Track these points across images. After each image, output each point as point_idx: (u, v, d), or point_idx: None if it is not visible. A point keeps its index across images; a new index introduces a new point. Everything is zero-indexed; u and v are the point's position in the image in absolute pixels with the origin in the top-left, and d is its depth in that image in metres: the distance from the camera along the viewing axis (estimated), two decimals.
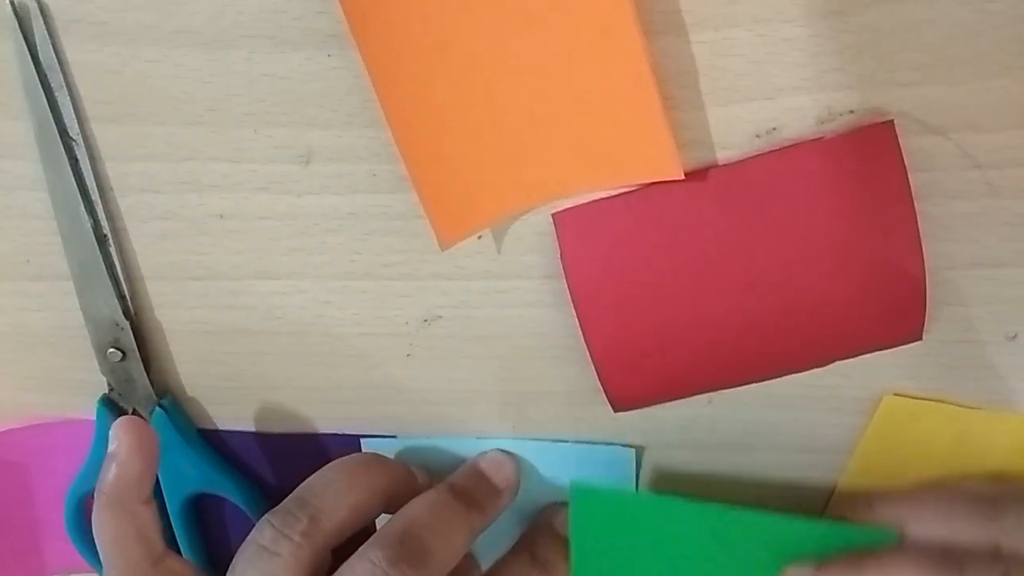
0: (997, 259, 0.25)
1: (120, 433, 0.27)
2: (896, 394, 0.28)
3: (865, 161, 0.24)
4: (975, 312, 0.26)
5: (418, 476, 0.30)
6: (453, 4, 0.23)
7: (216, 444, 0.32)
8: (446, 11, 0.23)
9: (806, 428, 0.29)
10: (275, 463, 0.32)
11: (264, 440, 0.32)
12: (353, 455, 0.29)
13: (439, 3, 0.23)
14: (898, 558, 0.25)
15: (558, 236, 0.26)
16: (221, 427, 0.32)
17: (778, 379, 0.28)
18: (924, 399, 0.27)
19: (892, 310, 0.26)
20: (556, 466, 0.31)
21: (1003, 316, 0.26)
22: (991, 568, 0.24)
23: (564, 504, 0.31)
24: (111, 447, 0.27)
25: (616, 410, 0.29)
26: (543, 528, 0.30)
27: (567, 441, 0.30)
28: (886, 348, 0.27)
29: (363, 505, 0.28)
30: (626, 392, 0.28)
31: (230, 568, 0.26)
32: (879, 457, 0.28)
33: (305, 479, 0.28)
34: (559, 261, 0.27)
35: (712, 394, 0.29)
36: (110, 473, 0.27)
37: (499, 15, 0.23)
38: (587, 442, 0.30)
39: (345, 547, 0.27)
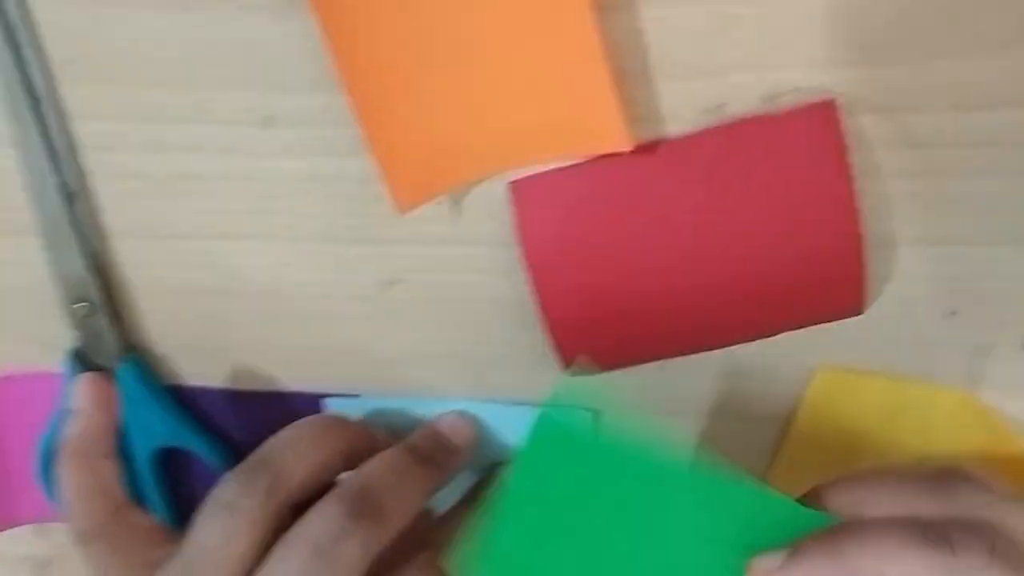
0: (936, 237, 0.26)
1: (83, 389, 0.27)
2: (829, 367, 0.28)
3: (808, 138, 0.25)
4: (915, 289, 0.27)
5: (378, 437, 0.31)
6: None
7: (183, 399, 0.33)
8: None
9: (752, 397, 0.30)
10: (240, 419, 0.33)
11: (230, 397, 0.33)
12: (314, 415, 0.30)
13: None
14: (878, 532, 0.23)
15: (513, 204, 0.27)
16: (187, 383, 0.33)
17: (726, 348, 0.29)
18: (858, 372, 0.28)
19: (834, 284, 0.27)
20: (514, 428, 0.32)
21: (942, 293, 0.27)
22: (977, 539, 0.22)
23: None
24: (74, 403, 0.28)
25: None
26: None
27: (525, 404, 0.31)
28: (829, 321, 0.28)
29: (324, 464, 0.28)
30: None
31: (191, 522, 0.27)
32: (814, 428, 0.29)
33: (270, 435, 0.29)
34: (514, 229, 0.27)
35: (664, 361, 0.30)
36: (73, 428, 0.27)
37: None
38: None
39: (305, 505, 0.28)
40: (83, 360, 0.31)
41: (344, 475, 0.29)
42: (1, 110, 0.28)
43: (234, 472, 0.27)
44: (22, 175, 0.29)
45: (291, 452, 0.28)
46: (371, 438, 0.31)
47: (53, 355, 0.32)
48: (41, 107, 0.28)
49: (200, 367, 0.32)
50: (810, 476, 0.30)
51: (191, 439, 0.33)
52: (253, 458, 0.28)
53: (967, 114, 0.24)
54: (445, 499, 0.31)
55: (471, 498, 0.31)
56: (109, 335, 0.31)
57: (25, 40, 0.27)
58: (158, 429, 0.32)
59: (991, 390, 0.28)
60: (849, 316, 0.27)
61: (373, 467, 0.28)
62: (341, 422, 0.30)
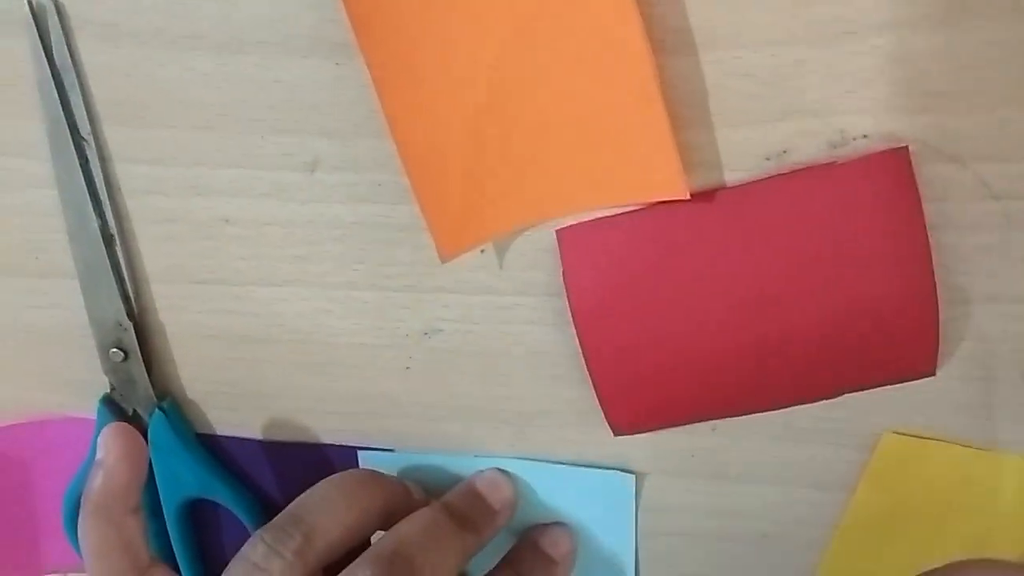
0: (1015, 294, 0.24)
1: (108, 440, 0.27)
2: (897, 431, 0.27)
3: (878, 188, 0.23)
4: (991, 349, 0.25)
5: (414, 493, 0.30)
6: (460, 16, 0.23)
7: (214, 449, 0.32)
8: (453, 22, 0.23)
9: (813, 463, 0.28)
10: (272, 471, 0.32)
11: (262, 448, 0.32)
12: (349, 471, 0.29)
13: (446, 14, 0.23)
14: None
15: (561, 253, 0.26)
16: (220, 432, 0.32)
17: (785, 410, 0.27)
18: (926, 438, 0.26)
19: (904, 343, 0.25)
20: (553, 489, 0.30)
21: (1020, 354, 0.25)
22: None
23: (552, 524, 0.30)
24: (99, 454, 0.27)
25: (616, 434, 0.28)
26: (528, 547, 0.29)
27: (565, 463, 0.30)
28: (898, 382, 0.26)
29: (358, 523, 0.27)
30: (626, 416, 0.28)
31: None
32: (880, 496, 0.27)
33: (301, 489, 0.28)
34: (561, 279, 0.26)
35: (716, 422, 0.28)
36: (96, 481, 0.27)
37: (507, 29, 0.23)
38: (586, 465, 0.30)
39: (338, 565, 0.26)
40: (115, 407, 0.31)
41: (378, 535, 0.28)
42: (44, 150, 0.27)
43: (264, 530, 0.26)
44: (62, 216, 0.28)
45: (324, 510, 0.27)
46: (407, 495, 0.29)
47: (83, 401, 0.31)
48: (84, 149, 0.27)
49: (233, 417, 0.31)
50: (874, 548, 0.28)
51: (222, 491, 0.31)
52: (284, 516, 0.27)
53: None
54: (481, 563, 0.29)
55: (508, 562, 0.29)
56: (142, 382, 0.30)
57: (70, 81, 0.26)
58: (188, 480, 0.31)
59: None
60: (919, 377, 0.26)
61: (407, 528, 0.27)
62: (377, 478, 0.29)
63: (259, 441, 0.32)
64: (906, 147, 0.23)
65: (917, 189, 0.23)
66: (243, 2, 0.25)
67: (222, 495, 0.32)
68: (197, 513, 0.33)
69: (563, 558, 0.30)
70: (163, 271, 0.29)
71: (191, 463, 0.31)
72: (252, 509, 0.32)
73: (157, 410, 0.30)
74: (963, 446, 0.26)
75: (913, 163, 0.23)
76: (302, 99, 0.26)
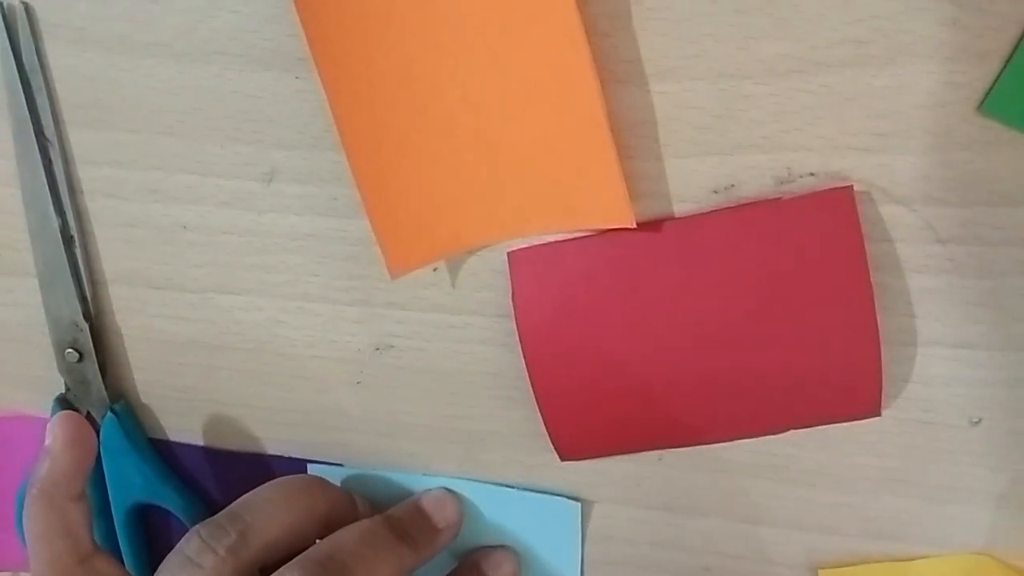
0: (960, 339, 0.24)
1: (56, 428, 0.27)
2: (823, 568, 0.27)
3: (822, 226, 0.23)
4: (936, 392, 0.25)
5: (360, 505, 0.30)
6: (415, 39, 0.23)
7: (165, 454, 0.32)
8: (408, 45, 0.24)
9: (756, 498, 0.28)
10: (221, 479, 0.32)
11: (212, 455, 0.32)
12: (296, 475, 0.29)
13: (402, 36, 0.23)
14: None
15: (511, 275, 0.26)
16: (171, 438, 0.32)
17: (731, 443, 0.27)
18: (855, 564, 0.27)
19: (847, 381, 0.25)
20: (499, 511, 0.30)
21: (966, 399, 0.25)
22: None
23: (495, 547, 0.30)
24: (47, 441, 0.27)
25: (562, 459, 0.28)
26: (470, 568, 0.29)
27: (513, 487, 0.30)
28: (842, 421, 0.26)
29: (298, 526, 0.27)
30: (572, 441, 0.28)
31: (155, 574, 0.26)
32: None
33: None
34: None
35: (663, 452, 0.28)
36: (42, 467, 0.27)
37: (461, 52, 0.23)
38: (533, 489, 0.30)
39: (276, 567, 0.26)
40: (69, 407, 0.31)
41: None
42: (9, 151, 0.28)
43: (201, 525, 0.26)
44: (24, 216, 0.29)
45: (263, 510, 0.27)
46: (352, 506, 0.29)
47: (39, 399, 0.31)
48: (48, 149, 0.28)
49: (185, 422, 0.31)
50: None
51: (169, 496, 0.31)
52: (224, 513, 0.27)
53: (996, 208, 0.23)
54: None
55: None
56: (96, 383, 0.30)
57: (37, 84, 0.27)
58: (137, 484, 0.31)
59: (1021, 509, 0.25)
60: (864, 417, 0.25)
61: (345, 536, 0.27)
62: (322, 484, 0.29)
63: (210, 449, 0.32)
64: (850, 186, 0.23)
65: (860, 229, 0.23)
66: (206, 14, 0.25)
67: (171, 501, 0.32)
68: (146, 517, 0.33)
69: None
70: (121, 274, 0.29)
71: (141, 467, 0.31)
72: (201, 516, 0.31)
73: (110, 412, 0.31)
74: (899, 561, 0.27)
75: (859, 203, 0.23)
76: (261, 110, 0.26)
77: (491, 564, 0.29)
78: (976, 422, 0.25)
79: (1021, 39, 0.21)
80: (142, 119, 0.27)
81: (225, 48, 0.25)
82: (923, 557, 0.27)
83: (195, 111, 0.26)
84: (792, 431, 0.26)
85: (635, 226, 0.24)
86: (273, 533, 0.26)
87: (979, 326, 0.24)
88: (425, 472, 0.30)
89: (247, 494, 0.28)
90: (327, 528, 0.28)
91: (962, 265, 0.23)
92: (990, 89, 0.21)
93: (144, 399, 0.31)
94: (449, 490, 0.30)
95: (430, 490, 0.30)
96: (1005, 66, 0.21)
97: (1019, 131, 0.22)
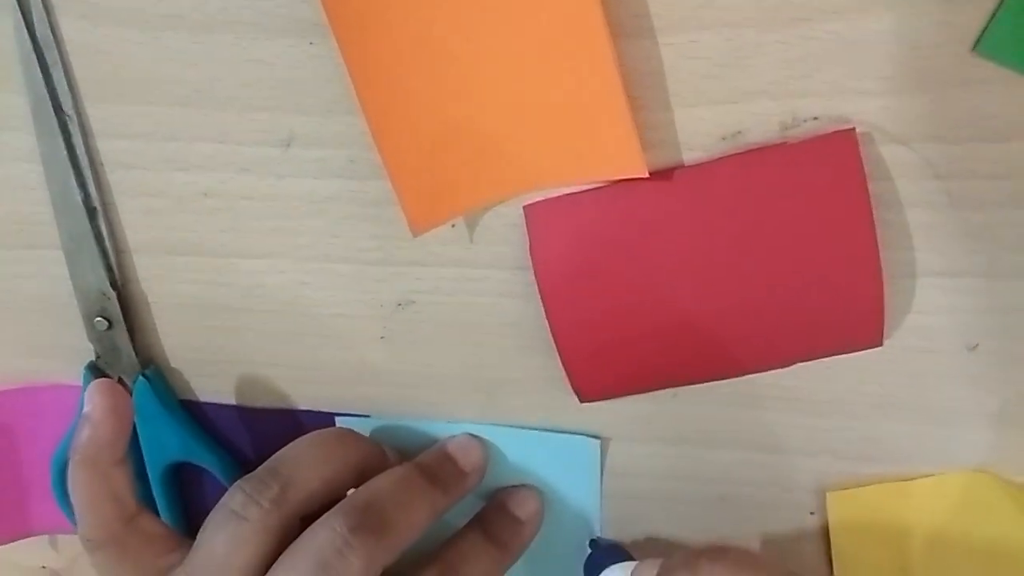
0: (957, 269, 0.26)
1: (94, 395, 0.28)
2: (831, 490, 0.29)
3: (827, 168, 0.24)
4: (935, 321, 0.27)
5: (389, 454, 0.31)
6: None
7: (197, 415, 0.33)
8: (423, 4, 0.24)
9: (767, 428, 0.29)
10: (252, 436, 0.33)
11: (242, 413, 0.33)
12: (327, 429, 0.30)
13: None
14: None
15: (528, 228, 0.27)
16: (202, 399, 0.33)
17: (741, 377, 0.28)
18: (864, 485, 0.28)
19: (851, 315, 0.26)
20: (521, 453, 0.31)
21: (963, 326, 0.26)
22: None
23: (519, 486, 0.31)
24: (86, 409, 0.28)
25: (582, 401, 0.29)
26: (496, 507, 0.31)
27: (534, 429, 0.31)
28: (846, 352, 0.27)
29: (333, 477, 0.28)
30: (591, 384, 0.29)
31: (201, 529, 0.27)
32: (854, 551, 0.28)
33: None
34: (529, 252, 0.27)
35: (678, 389, 0.29)
36: (84, 434, 0.28)
37: (475, 11, 0.24)
38: (553, 430, 0.31)
39: (314, 517, 0.28)
40: (100, 374, 0.32)
41: (352, 490, 0.29)
42: (29, 126, 0.28)
43: (244, 480, 0.27)
44: (47, 190, 0.29)
45: (302, 463, 0.28)
46: (382, 454, 0.31)
47: (69, 368, 0.32)
48: (67, 124, 0.28)
49: (215, 384, 0.33)
50: None
51: (204, 455, 0.33)
52: (263, 468, 0.28)
53: (989, 145, 0.24)
54: (451, 524, 0.30)
55: (478, 521, 0.31)
56: (126, 350, 0.31)
57: (53, 59, 0.27)
58: (172, 444, 0.33)
59: (1018, 428, 0.27)
60: (867, 347, 0.27)
61: (380, 483, 0.28)
62: (353, 436, 0.30)
63: (240, 407, 0.33)
64: (853, 129, 0.24)
65: (863, 169, 0.24)
66: None
67: (204, 459, 0.33)
68: (181, 476, 0.34)
69: (530, 518, 0.31)
70: (145, 242, 0.30)
71: (175, 428, 0.32)
72: (233, 472, 0.33)
73: (141, 377, 0.32)
74: (902, 481, 0.28)
75: (861, 144, 0.24)
76: (277, 77, 0.26)
77: (516, 502, 0.31)
78: (973, 348, 0.27)
79: None
80: (159, 91, 0.27)
81: (239, 17, 0.26)
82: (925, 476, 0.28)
83: (211, 81, 0.27)
84: (800, 364, 0.28)
85: (647, 175, 0.25)
86: (312, 484, 0.28)
87: (974, 257, 0.25)
88: (449, 420, 0.32)
89: (283, 449, 0.29)
90: (361, 477, 0.29)
91: (958, 199, 0.25)
92: (984, 30, 0.22)
93: (173, 363, 0.32)
94: (473, 435, 0.31)
95: (455, 436, 0.31)
96: (998, 7, 0.22)
97: (1012, 70, 0.23)
